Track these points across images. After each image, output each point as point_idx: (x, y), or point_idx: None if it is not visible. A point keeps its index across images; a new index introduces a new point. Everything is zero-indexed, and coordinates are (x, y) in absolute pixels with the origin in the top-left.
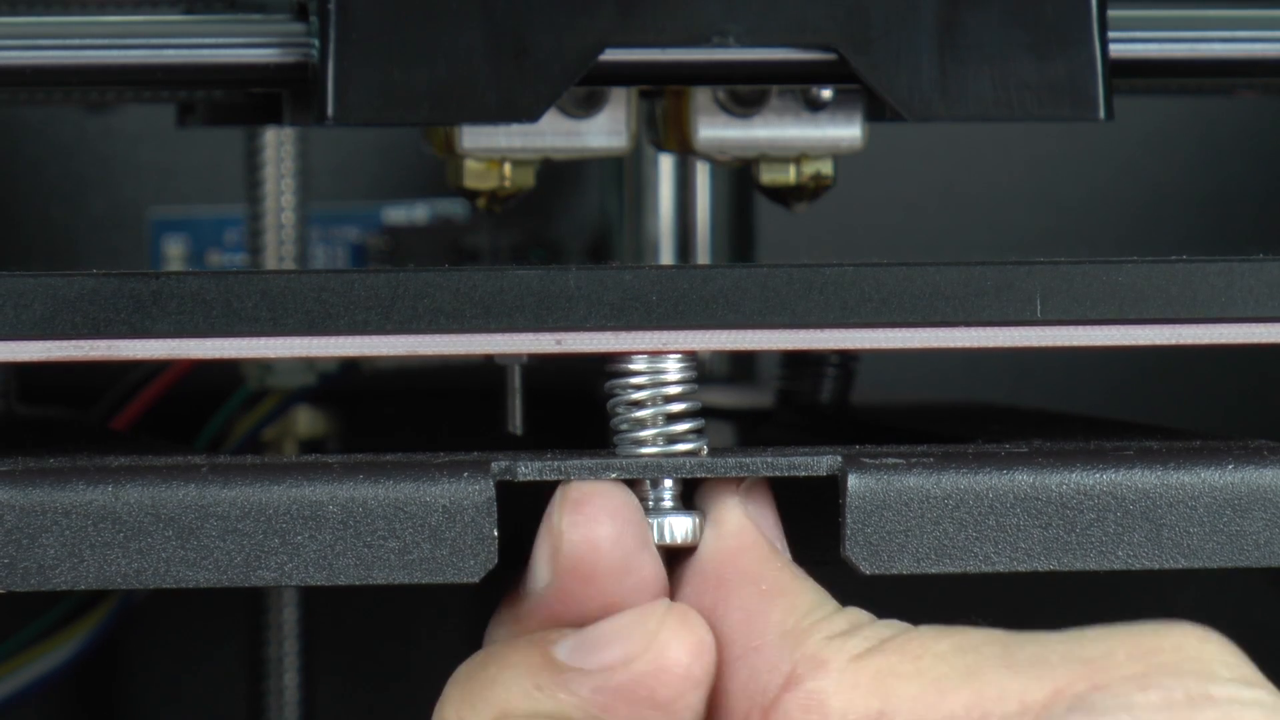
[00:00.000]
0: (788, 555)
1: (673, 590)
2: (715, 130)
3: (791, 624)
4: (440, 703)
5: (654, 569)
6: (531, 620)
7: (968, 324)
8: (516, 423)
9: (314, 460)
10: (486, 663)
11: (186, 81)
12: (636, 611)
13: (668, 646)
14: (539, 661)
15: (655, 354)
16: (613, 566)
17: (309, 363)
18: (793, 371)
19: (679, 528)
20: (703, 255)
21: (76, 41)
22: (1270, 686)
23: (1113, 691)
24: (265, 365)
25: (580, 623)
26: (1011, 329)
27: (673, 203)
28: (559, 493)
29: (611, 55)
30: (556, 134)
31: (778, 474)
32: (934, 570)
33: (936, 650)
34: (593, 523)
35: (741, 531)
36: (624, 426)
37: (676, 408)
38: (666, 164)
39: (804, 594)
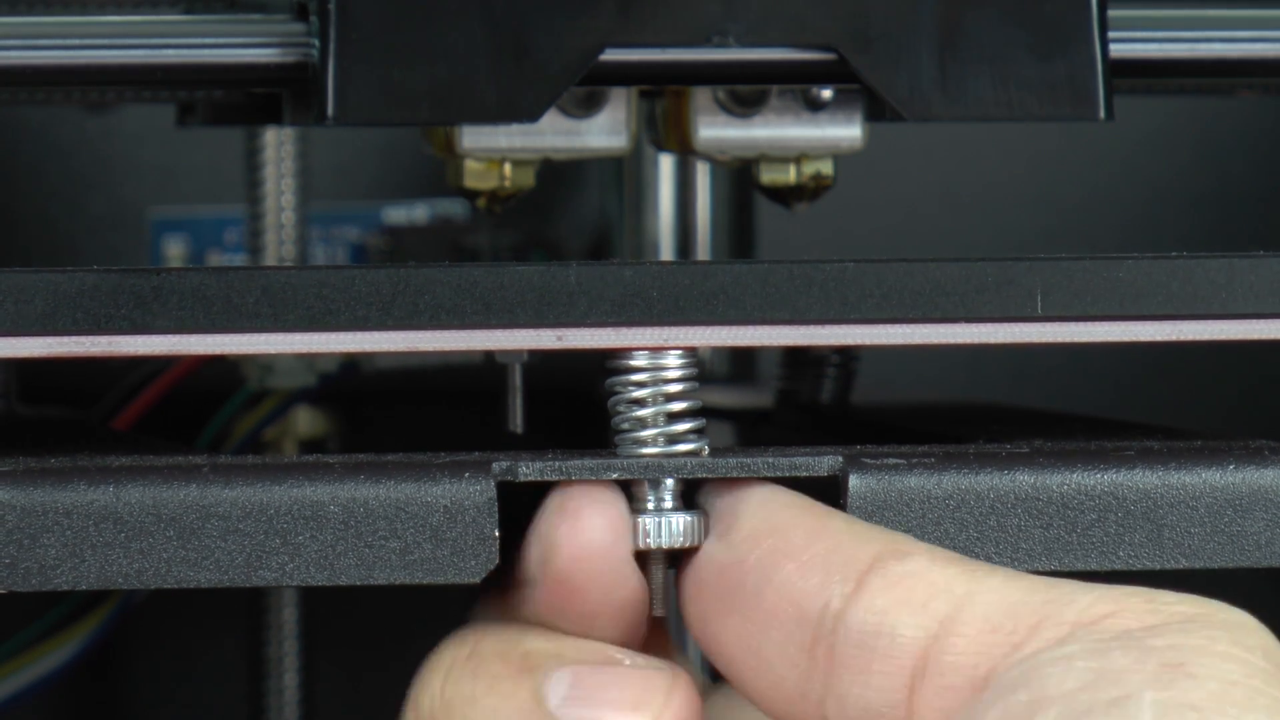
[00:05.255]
0: None
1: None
2: (715, 130)
3: (854, 523)
4: (419, 690)
5: (639, 581)
6: (517, 610)
7: (968, 320)
8: (517, 422)
9: (315, 460)
10: (473, 672)
11: (186, 81)
12: (641, 675)
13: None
14: (526, 703)
15: (656, 350)
16: (603, 580)
17: (309, 363)
18: (793, 371)
19: (681, 528)
20: (703, 255)
21: (76, 41)
22: None
23: (1171, 632)
24: (266, 365)
25: (563, 623)
26: (1012, 325)
27: (673, 203)
28: (554, 497)
29: (611, 55)
30: (556, 134)
31: (779, 474)
32: None
33: (1009, 569)
34: (587, 534)
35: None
36: (625, 426)
37: (677, 406)
38: (666, 164)
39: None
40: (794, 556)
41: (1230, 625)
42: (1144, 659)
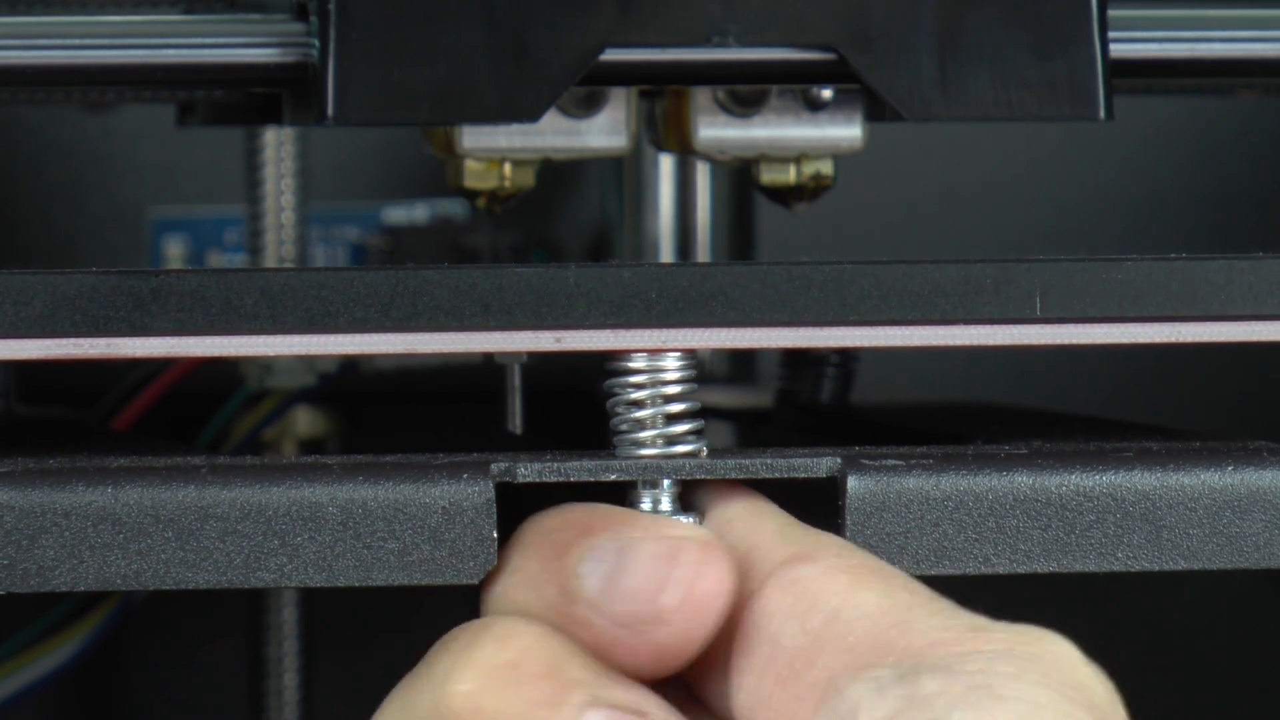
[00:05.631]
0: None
1: None
2: (715, 130)
3: (789, 529)
4: (449, 681)
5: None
6: (564, 624)
7: (967, 321)
8: (516, 423)
9: (313, 461)
10: (514, 688)
11: (186, 81)
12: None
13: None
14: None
15: (655, 352)
16: (696, 645)
17: (309, 363)
18: (792, 371)
19: None
20: (703, 255)
21: (76, 41)
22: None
23: (984, 659)
24: (265, 366)
25: (616, 663)
26: (1011, 326)
27: (673, 203)
28: (655, 548)
29: (611, 55)
30: (556, 134)
31: (777, 475)
32: (934, 572)
33: (900, 580)
34: (702, 611)
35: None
36: (624, 427)
37: (676, 408)
38: (666, 164)
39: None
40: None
41: (1045, 656)
42: (952, 682)
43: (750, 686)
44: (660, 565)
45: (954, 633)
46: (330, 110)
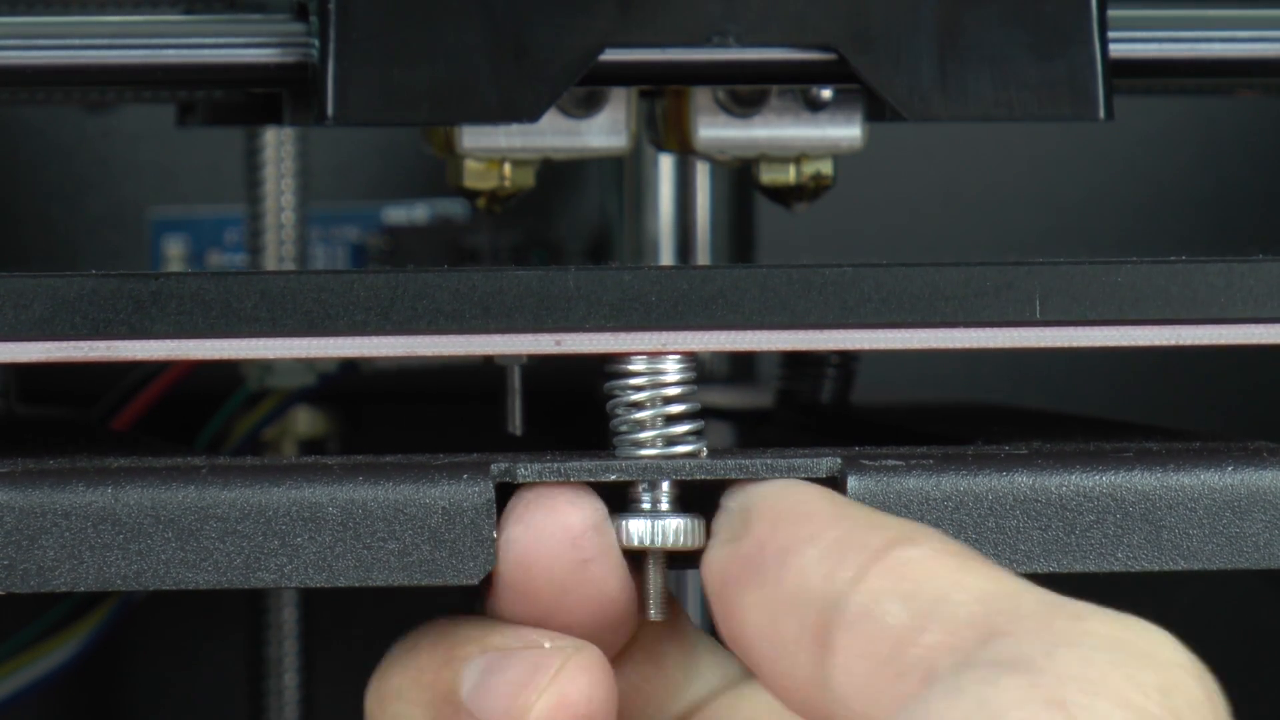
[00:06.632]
0: None
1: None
2: (715, 130)
3: (877, 515)
4: (367, 692)
5: (604, 584)
6: (484, 606)
7: (967, 324)
8: (516, 424)
9: (313, 461)
10: (403, 666)
11: (186, 81)
12: (537, 654)
13: (566, 689)
14: (443, 693)
15: (654, 354)
16: (551, 584)
17: (309, 363)
18: (792, 372)
19: (676, 531)
20: (703, 256)
21: (76, 41)
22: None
23: (1072, 660)
24: (265, 366)
25: (523, 620)
26: (1011, 329)
27: (673, 203)
28: (515, 496)
29: (611, 55)
30: (556, 134)
31: (777, 475)
32: None
33: (1004, 569)
34: (532, 540)
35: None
36: (623, 427)
37: (676, 409)
38: (666, 164)
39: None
40: (813, 541)
41: (1134, 656)
42: (1030, 694)
43: (847, 666)
44: (506, 513)
45: (1048, 620)
46: (330, 110)
